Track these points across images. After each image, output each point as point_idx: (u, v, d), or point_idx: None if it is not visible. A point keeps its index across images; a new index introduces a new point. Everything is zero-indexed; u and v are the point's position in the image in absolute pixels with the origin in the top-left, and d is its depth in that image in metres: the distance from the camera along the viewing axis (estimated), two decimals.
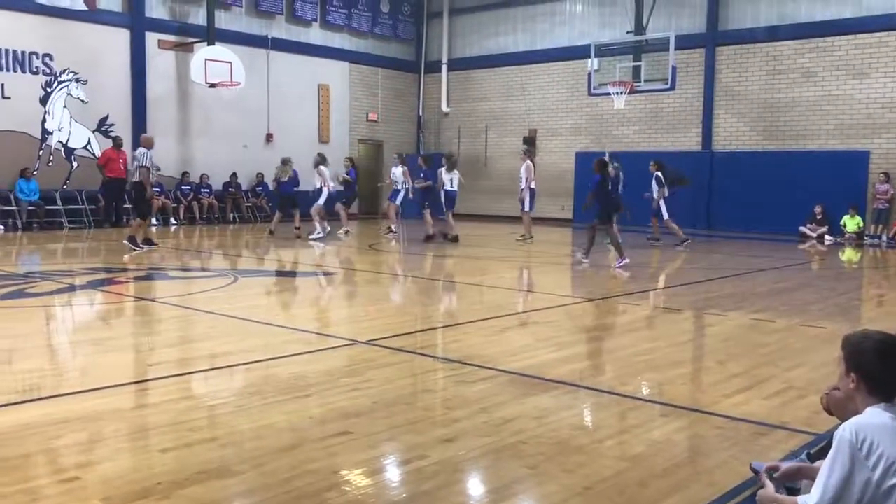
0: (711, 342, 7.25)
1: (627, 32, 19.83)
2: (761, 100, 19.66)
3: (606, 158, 13.40)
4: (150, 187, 14.17)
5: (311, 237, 16.16)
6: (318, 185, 16.82)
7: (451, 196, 16.42)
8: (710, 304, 8.98)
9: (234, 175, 21.20)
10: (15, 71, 17.60)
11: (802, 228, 18.38)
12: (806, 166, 18.41)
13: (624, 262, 12.12)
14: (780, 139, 19.36)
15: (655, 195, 15.80)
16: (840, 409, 2.91)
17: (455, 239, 15.79)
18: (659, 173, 15.85)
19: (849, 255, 15.69)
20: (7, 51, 17.45)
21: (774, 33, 19.32)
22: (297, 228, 16.42)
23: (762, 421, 4.47)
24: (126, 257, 12.73)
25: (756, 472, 3.25)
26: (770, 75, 19.49)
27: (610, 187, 12.53)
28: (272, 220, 17.13)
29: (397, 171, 17.42)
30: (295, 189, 16.83)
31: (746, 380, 5.46)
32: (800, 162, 18.61)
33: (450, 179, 16.45)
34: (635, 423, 4.51)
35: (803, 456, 3.32)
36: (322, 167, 16.77)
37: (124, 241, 13.70)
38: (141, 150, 13.81)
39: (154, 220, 18.86)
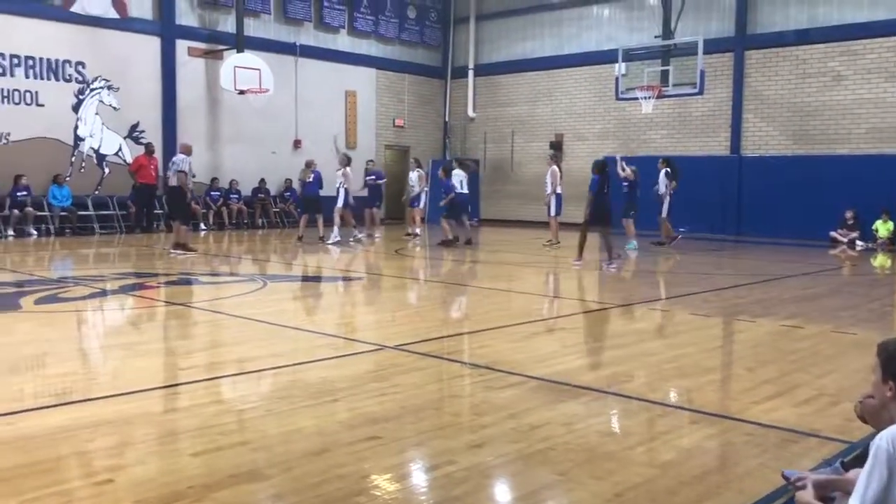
0: (741, 348, 7.18)
1: (655, 37, 19.74)
2: (791, 104, 19.46)
3: (603, 159, 13.57)
4: (190, 192, 14.36)
5: (327, 242, 16.16)
6: (338, 186, 16.67)
7: (461, 199, 16.43)
8: (739, 310, 8.90)
9: (262, 181, 21.38)
10: (48, 79, 17.90)
11: (833, 233, 18.14)
12: (837, 170, 18.17)
13: (613, 266, 12.26)
14: (810, 143, 19.14)
15: (663, 189, 16.08)
16: (875, 417, 2.87)
17: (469, 242, 15.84)
18: (668, 168, 16.18)
19: (881, 260, 15.46)
20: (41, 59, 17.74)
21: (804, 36, 19.12)
22: (321, 238, 16.38)
23: (793, 428, 4.42)
24: (182, 258, 13.20)
25: (788, 479, 3.21)
26: (800, 79, 19.29)
27: (606, 189, 12.55)
28: (300, 226, 17.20)
29: (413, 176, 17.52)
30: (319, 191, 16.82)
31: (777, 386, 5.40)
32: (830, 166, 18.38)
33: (459, 182, 16.50)
34: (665, 430, 4.48)
35: (837, 465, 3.28)
36: (347, 168, 16.74)
37: (171, 250, 13.82)
38: (181, 155, 14.02)
39: (203, 227, 19.13)
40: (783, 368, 5.97)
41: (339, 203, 16.59)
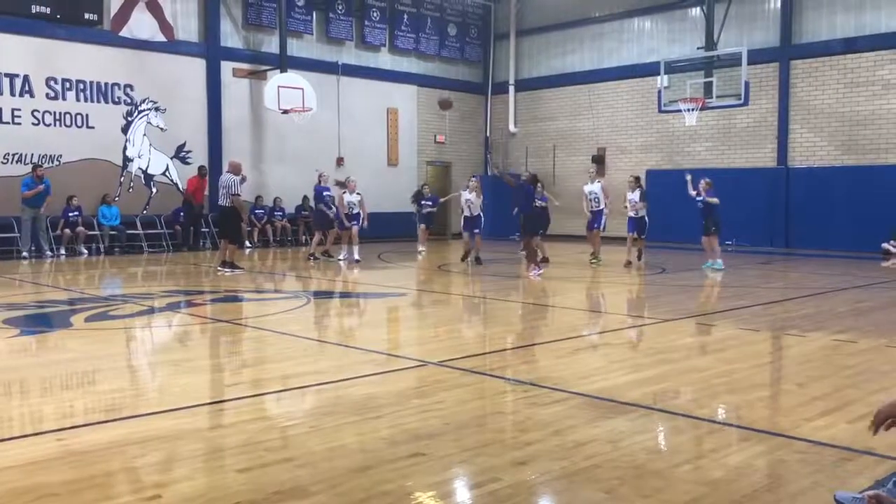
0: (791, 364, 7.03)
1: (698, 48, 19.55)
2: (839, 114, 19.09)
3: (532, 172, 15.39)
4: (245, 214, 14.52)
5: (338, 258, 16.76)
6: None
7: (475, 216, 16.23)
8: (788, 325, 8.72)
9: (305, 198, 21.58)
10: (98, 101, 18.34)
11: (885, 245, 17.71)
12: (887, 181, 17.76)
13: (538, 272, 13.12)
14: (859, 153, 18.75)
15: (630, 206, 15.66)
16: None
17: (478, 261, 15.64)
18: (641, 189, 15.79)
19: None
20: (91, 83, 18.20)
21: (852, 45, 18.77)
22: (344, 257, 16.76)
23: (847, 446, 4.31)
24: (228, 274, 13.58)
25: (840, 503, 3.12)
26: (848, 88, 18.93)
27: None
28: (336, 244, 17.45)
29: (471, 196, 17.04)
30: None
31: (829, 402, 5.27)
32: (881, 176, 17.98)
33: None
34: (713, 448, 4.40)
35: (891, 485, 3.18)
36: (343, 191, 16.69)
37: (218, 268, 14.06)
38: (229, 175, 14.09)
39: (248, 244, 19.37)
40: (836, 384, 5.82)
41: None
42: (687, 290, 12.72)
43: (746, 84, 17.62)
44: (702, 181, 14.72)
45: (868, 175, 18.22)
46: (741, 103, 18.08)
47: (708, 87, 18.34)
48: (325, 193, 16.90)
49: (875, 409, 3.17)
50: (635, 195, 15.55)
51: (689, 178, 15.09)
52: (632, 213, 15.58)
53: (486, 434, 4.58)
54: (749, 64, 17.63)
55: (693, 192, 14.81)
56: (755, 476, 3.93)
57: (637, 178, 16.07)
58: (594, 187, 16.06)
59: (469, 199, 16.27)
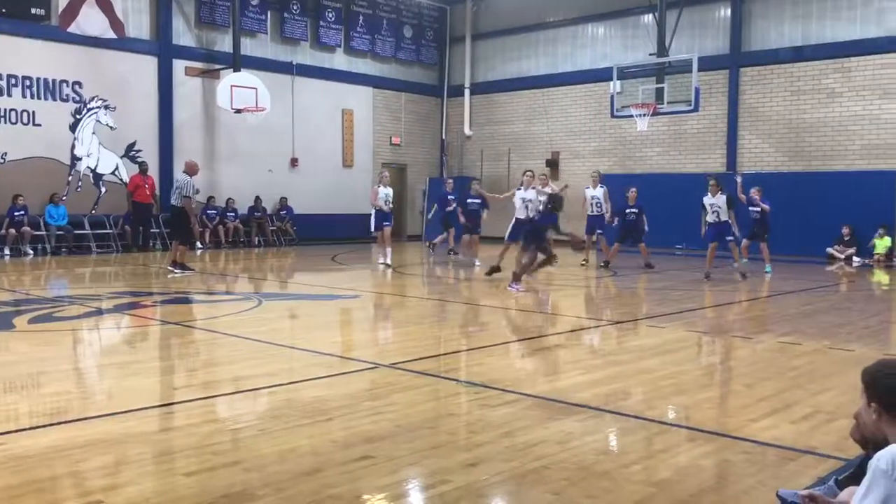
0: (738, 365, 7.17)
1: (650, 54, 19.81)
2: (786, 120, 19.53)
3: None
4: (194, 216, 14.26)
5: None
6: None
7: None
8: (736, 327, 8.88)
9: (258, 199, 21.39)
10: (46, 98, 17.95)
11: (830, 250, 18.16)
12: (833, 187, 18.21)
13: (516, 287, 11.72)
14: (805, 160, 19.20)
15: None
16: (868, 438, 2.87)
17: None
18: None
19: (878, 276, 15.47)
20: (38, 79, 17.80)
21: (799, 54, 19.22)
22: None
23: (790, 446, 4.40)
24: (178, 275, 13.24)
25: (783, 500, 3.19)
26: (795, 96, 19.38)
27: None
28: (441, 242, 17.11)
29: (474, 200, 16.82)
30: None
31: (774, 403, 5.38)
32: (826, 183, 18.41)
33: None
34: (661, 448, 4.46)
35: (832, 483, 3.26)
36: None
37: (168, 267, 13.83)
38: (184, 176, 13.83)
39: (199, 245, 19.04)
40: (781, 385, 5.95)
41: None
42: (638, 293, 12.90)
43: (697, 90, 17.92)
44: (753, 189, 14.77)
45: (814, 181, 18.65)
46: (692, 109, 18.38)
47: (659, 93, 18.61)
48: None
49: (831, 418, 3.23)
50: (598, 192, 15.93)
51: (738, 180, 15.17)
52: (596, 213, 15.97)
53: (437, 436, 4.58)
54: (700, 71, 17.93)
55: (743, 197, 14.78)
56: (701, 476, 3.99)
57: (599, 174, 16.33)
58: (597, 192, 16.11)
59: (527, 197, 13.91)
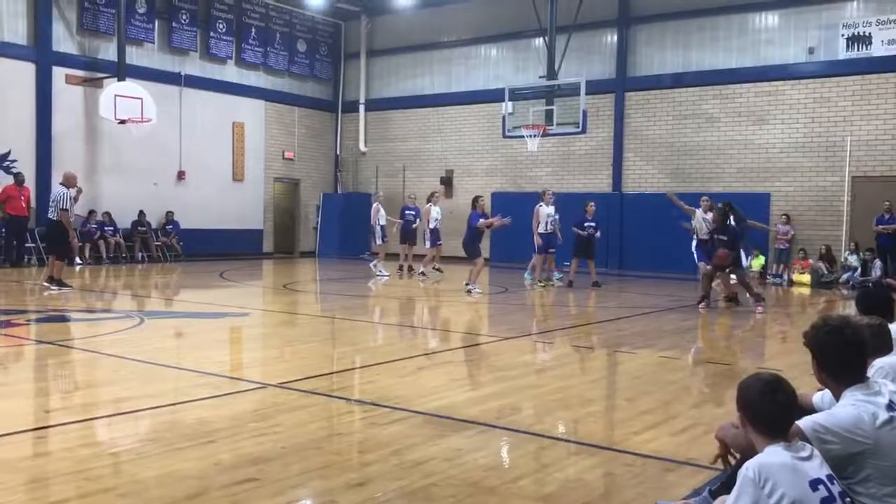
0: (621, 380, 7.38)
1: (540, 77, 20.32)
2: (668, 143, 20.38)
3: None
4: (71, 230, 13.54)
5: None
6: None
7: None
8: (620, 342, 9.15)
9: (141, 213, 20.63)
10: None
11: None
12: None
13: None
14: (686, 181, 20.04)
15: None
16: (739, 448, 3.00)
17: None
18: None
19: None
20: None
21: (680, 80, 20.12)
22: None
23: (670, 458, 4.55)
24: (56, 293, 12.50)
25: None
26: (676, 120, 20.25)
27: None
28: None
29: (433, 210, 17.39)
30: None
31: (655, 416, 5.56)
32: None
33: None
34: (548, 462, 4.53)
35: (706, 493, 3.38)
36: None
37: (44, 283, 13.06)
38: (61, 189, 13.13)
39: (78, 261, 18.17)
40: (661, 399, 6.16)
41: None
42: (527, 309, 13.12)
43: (584, 113, 18.45)
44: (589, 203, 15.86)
45: (694, 202, 19.43)
46: (579, 131, 18.92)
47: (549, 115, 19.08)
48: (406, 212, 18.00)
49: (709, 430, 3.35)
50: (550, 209, 15.91)
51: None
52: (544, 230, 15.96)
53: (325, 456, 4.51)
54: (587, 94, 18.48)
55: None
56: (587, 488, 4.08)
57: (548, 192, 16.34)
58: (551, 210, 15.84)
59: (550, 213, 15.66)
